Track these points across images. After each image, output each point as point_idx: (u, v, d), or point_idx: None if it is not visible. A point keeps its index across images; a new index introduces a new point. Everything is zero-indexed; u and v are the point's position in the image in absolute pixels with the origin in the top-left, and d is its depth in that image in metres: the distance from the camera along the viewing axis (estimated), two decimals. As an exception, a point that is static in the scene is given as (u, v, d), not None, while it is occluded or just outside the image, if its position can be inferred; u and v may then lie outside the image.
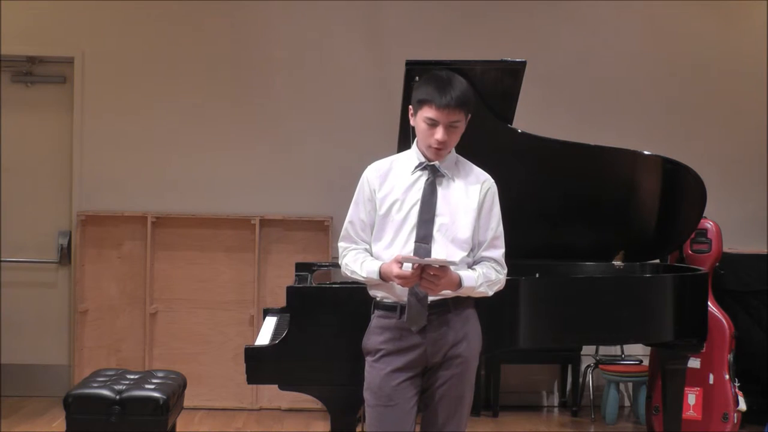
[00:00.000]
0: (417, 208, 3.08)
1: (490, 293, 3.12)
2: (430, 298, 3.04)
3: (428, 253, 3.03)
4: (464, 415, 3.16)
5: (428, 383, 3.11)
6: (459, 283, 3.01)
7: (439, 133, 3.03)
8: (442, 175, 3.11)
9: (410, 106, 3.13)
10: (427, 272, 2.94)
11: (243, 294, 5.91)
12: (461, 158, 3.19)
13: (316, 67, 6.06)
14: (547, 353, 5.89)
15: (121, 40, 6.01)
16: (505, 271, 3.17)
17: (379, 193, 3.13)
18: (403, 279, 2.95)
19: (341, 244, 3.22)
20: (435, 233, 3.06)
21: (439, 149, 3.07)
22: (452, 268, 3.00)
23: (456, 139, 3.10)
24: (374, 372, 3.09)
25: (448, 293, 3.03)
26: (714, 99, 6.20)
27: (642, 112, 6.15)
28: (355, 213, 3.18)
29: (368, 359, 3.14)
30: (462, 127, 3.08)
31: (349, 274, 3.16)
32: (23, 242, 6.03)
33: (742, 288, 5.57)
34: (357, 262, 3.12)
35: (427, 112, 3.04)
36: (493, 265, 3.12)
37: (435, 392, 3.10)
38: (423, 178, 3.11)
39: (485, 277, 3.08)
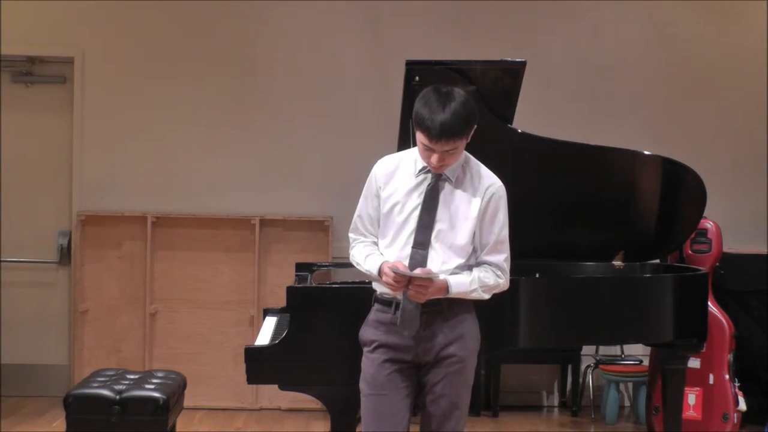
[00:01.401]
0: (417, 212, 3.07)
1: (487, 297, 3.12)
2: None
3: (424, 259, 3.03)
4: (462, 415, 3.16)
5: (424, 382, 3.12)
6: (447, 289, 3.02)
7: (434, 159, 3.01)
8: (445, 181, 3.10)
9: (413, 115, 3.07)
10: (414, 283, 2.96)
11: (243, 294, 5.91)
12: (472, 159, 3.16)
13: (316, 67, 6.06)
14: (547, 353, 5.89)
15: (121, 40, 6.01)
16: (507, 275, 3.16)
17: (383, 192, 3.13)
18: (390, 285, 2.98)
19: (351, 235, 3.25)
20: (432, 240, 3.06)
21: (438, 169, 3.05)
22: (447, 270, 3.03)
23: (456, 159, 3.06)
24: (369, 362, 3.12)
25: (439, 296, 3.04)
26: (714, 99, 6.19)
27: (642, 112, 6.14)
28: (364, 207, 3.20)
29: (364, 350, 3.16)
30: (462, 147, 3.04)
31: (355, 265, 3.19)
32: (23, 242, 6.02)
33: (742, 288, 5.57)
34: (362, 255, 3.14)
35: (422, 139, 2.99)
36: (494, 269, 3.12)
37: (431, 391, 3.11)
38: (426, 182, 3.10)
39: (481, 281, 3.07)
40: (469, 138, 3.04)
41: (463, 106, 2.96)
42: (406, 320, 3.03)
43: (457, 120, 2.94)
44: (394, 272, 2.96)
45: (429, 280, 2.96)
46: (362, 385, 3.14)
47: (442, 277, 3.01)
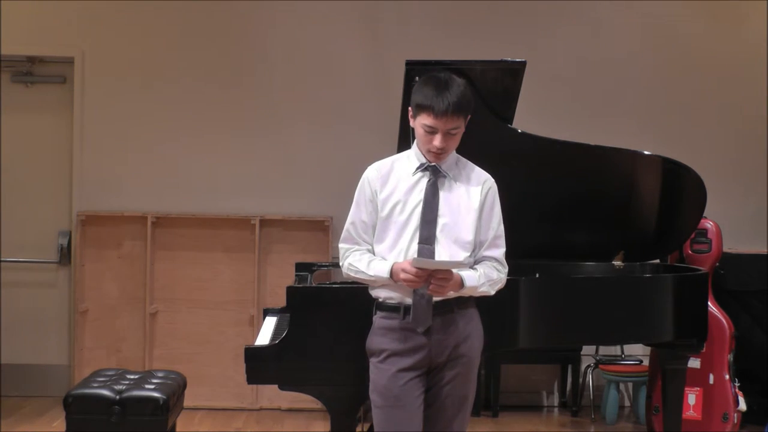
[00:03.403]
0: (419, 209, 3.07)
1: (492, 292, 3.13)
2: (435, 299, 3.04)
3: (432, 254, 3.03)
4: (468, 414, 3.17)
5: (433, 382, 3.11)
6: (461, 284, 3.02)
7: (437, 140, 3.03)
8: (444, 176, 3.11)
9: (410, 108, 3.13)
10: (436, 276, 2.96)
11: (243, 294, 5.91)
12: (461, 158, 3.19)
13: (315, 67, 6.06)
14: (547, 353, 5.89)
15: (121, 40, 6.01)
16: (506, 270, 3.18)
17: (380, 195, 3.13)
18: (410, 281, 2.96)
19: (343, 246, 3.20)
20: (438, 234, 3.06)
21: (439, 154, 3.07)
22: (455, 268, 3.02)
23: (455, 143, 3.10)
24: (380, 373, 3.09)
25: (451, 293, 3.04)
26: (714, 99, 6.20)
27: (642, 112, 6.14)
28: (357, 214, 3.17)
29: (373, 360, 3.13)
30: (461, 131, 3.08)
31: (352, 275, 3.15)
32: (23, 242, 6.03)
33: (742, 288, 5.57)
34: (363, 262, 3.10)
35: (425, 119, 3.03)
36: (494, 264, 3.14)
37: (440, 391, 3.10)
38: (424, 179, 3.11)
39: (486, 276, 3.09)
40: (464, 126, 3.09)
41: (464, 86, 3.07)
42: (418, 315, 3.02)
43: (462, 97, 3.02)
44: (415, 266, 2.94)
45: (449, 272, 2.95)
46: (374, 396, 3.10)
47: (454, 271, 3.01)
